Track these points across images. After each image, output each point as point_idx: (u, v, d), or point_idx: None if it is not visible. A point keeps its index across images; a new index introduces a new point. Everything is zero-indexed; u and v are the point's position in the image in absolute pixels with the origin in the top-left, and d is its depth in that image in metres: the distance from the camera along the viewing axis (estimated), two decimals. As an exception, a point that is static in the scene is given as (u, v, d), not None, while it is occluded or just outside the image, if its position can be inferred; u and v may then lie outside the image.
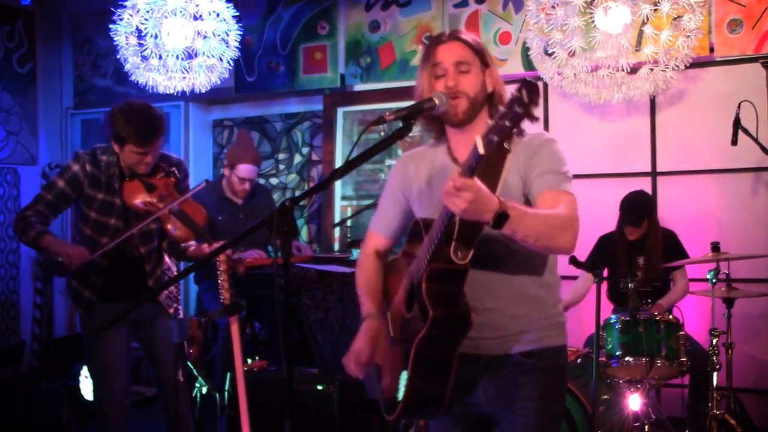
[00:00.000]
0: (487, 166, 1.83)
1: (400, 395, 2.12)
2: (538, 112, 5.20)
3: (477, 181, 1.80)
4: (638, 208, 4.40)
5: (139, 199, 3.45)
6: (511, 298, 2.18)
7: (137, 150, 3.38)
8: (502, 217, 1.85)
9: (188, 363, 3.69)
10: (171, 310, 3.69)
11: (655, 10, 4.36)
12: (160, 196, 3.47)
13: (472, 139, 1.99)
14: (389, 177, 2.41)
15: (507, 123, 1.70)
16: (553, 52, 4.59)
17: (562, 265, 2.36)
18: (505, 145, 1.74)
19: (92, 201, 3.46)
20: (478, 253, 1.97)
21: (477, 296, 2.08)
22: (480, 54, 2.21)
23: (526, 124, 2.04)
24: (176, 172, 3.62)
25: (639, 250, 4.43)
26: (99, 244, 3.45)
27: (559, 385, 2.29)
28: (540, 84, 5.15)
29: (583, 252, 4.39)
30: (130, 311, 3.21)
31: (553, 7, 4.43)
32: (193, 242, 3.62)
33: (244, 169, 5.03)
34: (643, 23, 4.44)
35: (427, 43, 2.21)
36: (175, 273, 3.39)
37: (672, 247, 4.41)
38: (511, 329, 2.18)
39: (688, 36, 4.40)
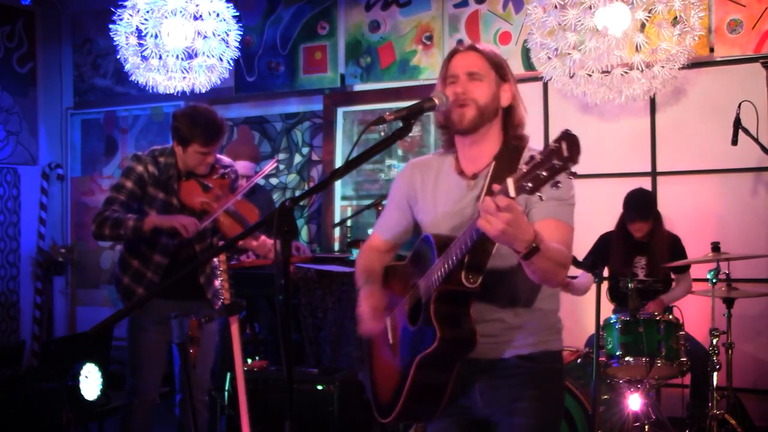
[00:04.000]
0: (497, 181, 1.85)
1: (398, 401, 2.14)
2: (538, 111, 5.22)
3: (518, 206, 1.76)
4: (645, 203, 4.40)
5: (196, 200, 3.56)
6: (514, 309, 2.18)
7: (201, 150, 3.50)
8: (534, 250, 1.83)
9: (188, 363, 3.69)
10: (216, 306, 3.70)
11: (654, 10, 4.36)
12: (216, 197, 3.58)
13: (482, 153, 2.13)
14: (395, 182, 2.40)
15: (543, 174, 1.65)
16: (554, 53, 4.59)
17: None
18: (539, 195, 1.70)
19: (153, 200, 3.56)
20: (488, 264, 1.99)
21: (480, 308, 2.09)
22: (497, 67, 2.17)
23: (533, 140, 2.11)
24: (230, 173, 3.74)
25: (641, 250, 4.43)
26: (159, 243, 3.54)
27: (557, 388, 2.29)
28: (540, 84, 5.17)
29: (582, 251, 4.39)
30: (132, 309, 3.18)
31: (555, 7, 4.43)
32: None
33: (242, 166, 5.03)
34: (644, 23, 4.44)
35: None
36: (221, 269, 3.41)
37: (676, 251, 4.41)
38: (509, 334, 2.18)
39: (688, 36, 4.40)
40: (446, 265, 1.96)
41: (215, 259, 3.75)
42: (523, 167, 1.69)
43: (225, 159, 3.82)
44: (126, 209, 3.54)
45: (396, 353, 2.22)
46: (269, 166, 3.97)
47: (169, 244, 3.56)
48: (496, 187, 1.75)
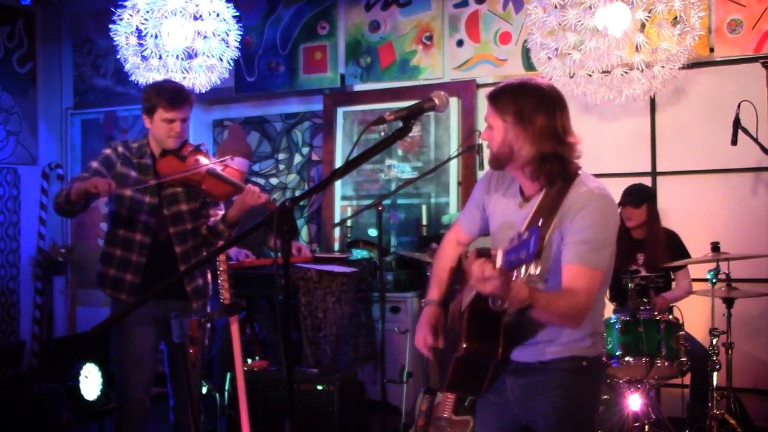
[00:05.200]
0: (539, 218, 2.16)
1: (445, 379, 2.40)
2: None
3: (509, 276, 1.94)
4: (640, 191, 4.43)
5: (175, 169, 3.55)
6: (545, 325, 2.31)
7: (167, 116, 3.51)
8: (528, 307, 2.08)
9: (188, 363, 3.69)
10: (195, 305, 3.65)
11: (654, 10, 4.36)
12: (194, 162, 3.58)
13: (525, 180, 2.32)
14: (477, 185, 2.57)
15: (518, 259, 1.85)
16: (553, 53, 4.59)
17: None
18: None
19: (126, 178, 3.56)
20: None
21: (521, 320, 2.26)
22: (502, 111, 2.26)
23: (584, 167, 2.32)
24: (204, 147, 3.74)
25: (639, 247, 4.44)
26: (138, 222, 3.54)
27: (586, 379, 2.37)
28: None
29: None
30: (131, 309, 3.19)
31: (555, 7, 4.43)
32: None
33: (237, 163, 5.01)
34: (644, 23, 4.44)
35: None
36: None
37: (675, 247, 4.41)
38: (537, 341, 2.33)
39: (688, 36, 4.40)
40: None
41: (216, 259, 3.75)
42: (514, 242, 1.90)
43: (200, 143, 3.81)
44: None
45: (450, 340, 2.44)
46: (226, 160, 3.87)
47: (148, 222, 3.54)
48: (493, 252, 2.00)
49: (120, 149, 3.60)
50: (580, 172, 2.32)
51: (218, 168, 3.60)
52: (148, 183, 3.52)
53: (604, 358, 2.54)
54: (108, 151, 3.61)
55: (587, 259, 2.17)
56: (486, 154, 2.71)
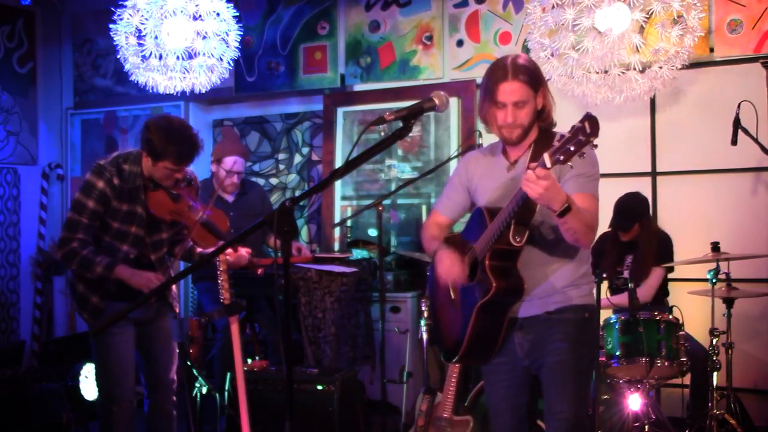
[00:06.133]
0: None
1: (461, 344, 2.59)
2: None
3: (552, 174, 2.23)
4: (629, 212, 4.41)
5: (166, 210, 3.46)
6: (545, 269, 2.62)
7: (172, 168, 3.37)
8: (567, 209, 2.29)
9: (188, 363, 3.69)
10: (171, 302, 3.69)
11: (654, 10, 4.36)
12: (187, 206, 3.49)
13: (523, 143, 2.63)
14: (455, 171, 2.89)
15: (572, 148, 2.13)
16: (553, 53, 4.59)
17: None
18: (570, 164, 2.20)
19: (117, 213, 3.42)
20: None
21: (525, 264, 2.54)
22: (534, 84, 2.58)
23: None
24: (195, 180, 3.67)
25: (629, 249, 4.44)
26: (119, 250, 3.45)
27: (586, 332, 2.70)
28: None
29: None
30: (132, 309, 3.19)
31: (554, 6, 4.43)
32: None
33: (230, 161, 5.02)
34: (644, 23, 4.44)
35: (487, 76, 2.65)
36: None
37: (662, 250, 4.41)
38: (540, 293, 2.62)
39: (688, 36, 4.39)
40: (498, 228, 2.44)
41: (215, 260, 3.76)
42: (556, 143, 2.17)
43: (187, 169, 3.63)
44: (91, 232, 3.42)
45: (458, 307, 2.68)
46: (214, 196, 3.92)
47: (130, 253, 3.46)
48: (532, 165, 2.24)
49: (115, 180, 3.38)
50: (556, 131, 2.64)
51: (206, 216, 3.54)
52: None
53: None
54: (101, 184, 3.36)
55: (589, 187, 2.55)
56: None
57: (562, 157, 2.14)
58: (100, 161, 3.46)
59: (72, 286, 3.57)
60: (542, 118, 2.65)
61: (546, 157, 2.18)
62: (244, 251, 3.72)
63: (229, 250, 3.62)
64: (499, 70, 2.58)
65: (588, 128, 2.10)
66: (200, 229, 3.51)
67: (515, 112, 2.56)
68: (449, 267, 2.64)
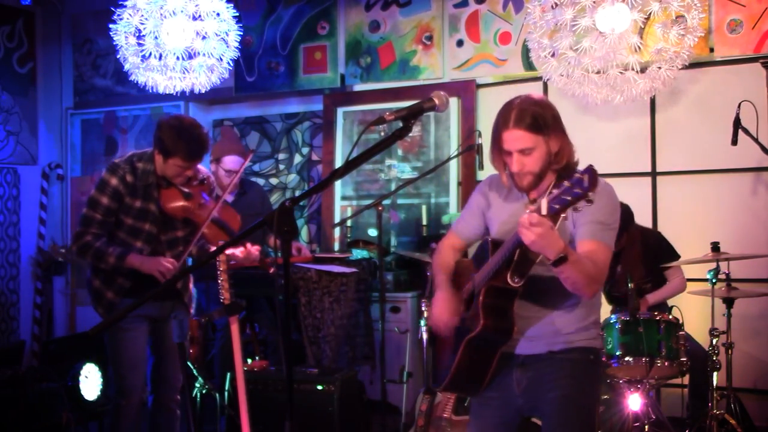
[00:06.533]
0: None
1: (449, 373, 2.54)
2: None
3: (548, 222, 2.11)
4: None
5: (178, 207, 3.56)
6: (553, 310, 2.51)
7: (183, 164, 3.49)
8: (562, 259, 2.19)
9: (188, 363, 3.70)
10: (186, 300, 3.76)
11: (654, 10, 4.36)
12: (198, 204, 3.58)
13: (542, 184, 2.49)
14: (474, 193, 2.75)
15: (568, 198, 2.04)
16: (553, 53, 4.59)
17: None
18: (562, 215, 2.09)
19: (130, 209, 3.54)
20: (532, 271, 2.36)
21: (523, 305, 2.45)
22: (542, 128, 2.43)
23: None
24: (209, 179, 3.76)
25: (617, 261, 4.42)
26: (133, 247, 3.54)
27: (591, 372, 2.55)
28: (540, 84, 5.18)
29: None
30: (134, 308, 3.19)
31: (553, 6, 4.43)
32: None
33: (230, 161, 5.01)
34: (644, 23, 4.44)
35: (495, 120, 2.52)
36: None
37: (658, 248, 4.41)
38: (545, 333, 2.51)
39: (688, 36, 4.39)
40: (495, 265, 2.36)
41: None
42: (554, 191, 2.07)
43: (203, 168, 3.81)
44: (105, 228, 3.53)
45: (452, 334, 2.60)
46: (244, 163, 3.97)
47: (143, 251, 3.56)
48: (530, 207, 2.13)
49: (128, 178, 3.51)
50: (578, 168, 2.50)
51: (218, 210, 3.62)
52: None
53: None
54: (114, 182, 3.50)
55: (602, 236, 2.41)
56: (486, 155, 2.76)
57: (557, 206, 2.05)
58: (115, 159, 3.60)
59: (89, 283, 3.65)
60: (557, 161, 2.49)
61: (543, 203, 2.09)
62: (254, 249, 3.74)
63: (240, 248, 3.67)
64: (501, 116, 2.48)
65: (586, 182, 2.01)
66: (212, 227, 3.60)
67: (522, 159, 2.45)
68: (438, 314, 2.59)
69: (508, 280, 2.35)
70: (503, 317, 2.40)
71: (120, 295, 3.57)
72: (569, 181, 2.04)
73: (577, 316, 2.52)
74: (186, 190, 3.59)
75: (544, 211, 2.08)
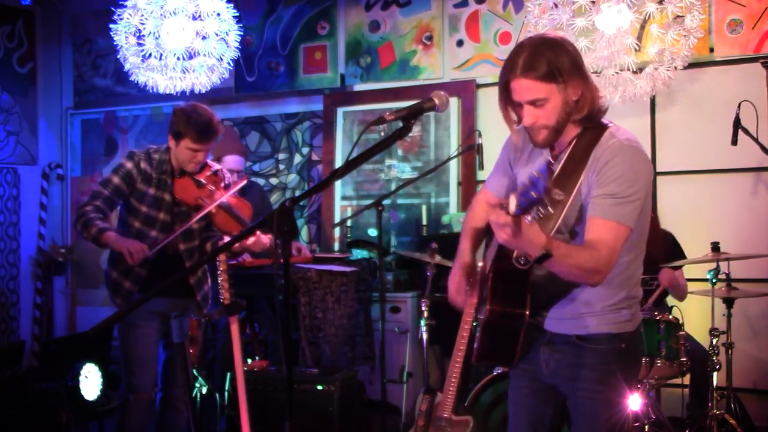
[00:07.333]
0: (568, 171, 2.13)
1: (477, 346, 2.34)
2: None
3: (522, 221, 1.87)
4: None
5: (191, 195, 3.67)
6: (576, 286, 2.24)
7: (192, 146, 3.59)
8: (546, 256, 1.97)
9: (188, 363, 3.70)
10: (205, 310, 3.80)
11: (654, 10, 4.36)
12: (209, 192, 3.69)
13: (564, 137, 2.23)
14: (504, 146, 2.49)
15: (526, 202, 1.81)
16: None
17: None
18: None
19: (144, 196, 3.64)
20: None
21: (551, 279, 2.16)
22: (556, 75, 2.13)
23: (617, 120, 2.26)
24: (223, 172, 3.84)
25: None
26: (148, 237, 3.62)
27: (621, 364, 2.29)
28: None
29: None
30: (139, 304, 3.19)
31: (554, 6, 4.43)
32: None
33: (231, 160, 5.03)
34: (644, 23, 4.44)
35: (503, 67, 2.22)
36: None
37: (671, 248, 4.41)
38: (572, 312, 2.27)
39: (688, 36, 4.40)
40: (497, 244, 2.12)
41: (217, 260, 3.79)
42: (526, 183, 1.82)
43: (216, 164, 3.91)
44: (109, 205, 3.63)
45: (481, 304, 2.39)
46: (240, 183, 4.02)
47: (158, 238, 3.62)
48: (503, 201, 1.90)
49: (142, 165, 3.64)
50: (611, 124, 2.24)
51: (229, 199, 3.71)
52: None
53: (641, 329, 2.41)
54: (129, 165, 3.64)
55: (612, 212, 2.09)
56: (486, 155, 2.72)
57: (521, 207, 1.83)
58: (133, 150, 3.75)
59: (107, 276, 3.71)
60: (578, 110, 2.18)
61: (512, 200, 1.84)
62: (265, 237, 3.75)
63: (252, 238, 3.70)
64: (510, 61, 2.17)
65: (541, 184, 1.77)
66: (223, 214, 3.70)
67: (534, 111, 2.15)
68: (453, 294, 2.43)
69: (513, 260, 2.09)
70: (513, 301, 2.18)
71: (137, 284, 3.62)
72: (530, 179, 1.81)
73: (604, 294, 2.23)
74: (199, 179, 3.71)
75: (512, 209, 1.84)
